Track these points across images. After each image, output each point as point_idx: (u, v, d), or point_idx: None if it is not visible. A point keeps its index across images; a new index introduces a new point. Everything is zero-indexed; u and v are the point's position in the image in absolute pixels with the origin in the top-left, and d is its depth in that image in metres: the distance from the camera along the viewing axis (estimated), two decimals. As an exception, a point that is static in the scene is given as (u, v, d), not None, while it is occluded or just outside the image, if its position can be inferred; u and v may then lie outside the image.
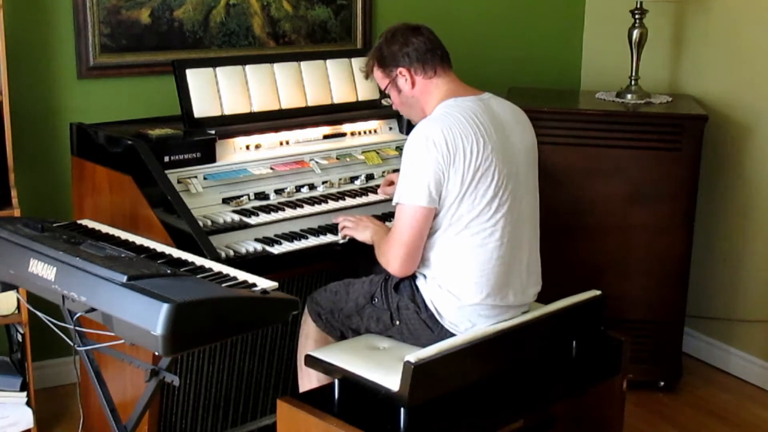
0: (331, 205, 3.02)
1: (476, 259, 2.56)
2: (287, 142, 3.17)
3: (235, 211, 2.86)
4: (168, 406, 2.94)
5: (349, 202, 3.06)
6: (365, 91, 3.42)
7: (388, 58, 2.70)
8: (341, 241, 2.87)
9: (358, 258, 2.89)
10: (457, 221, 2.55)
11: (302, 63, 3.28)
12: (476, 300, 2.58)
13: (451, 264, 2.58)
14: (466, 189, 2.52)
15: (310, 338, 2.86)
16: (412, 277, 2.66)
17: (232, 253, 2.71)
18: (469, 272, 2.57)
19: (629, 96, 3.90)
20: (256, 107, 3.15)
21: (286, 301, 2.24)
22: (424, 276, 2.63)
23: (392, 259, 2.58)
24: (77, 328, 2.24)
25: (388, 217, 3.05)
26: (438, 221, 2.56)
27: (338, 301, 2.77)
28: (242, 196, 2.94)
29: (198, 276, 2.29)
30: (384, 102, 2.80)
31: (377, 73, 2.77)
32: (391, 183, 3.12)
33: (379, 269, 2.75)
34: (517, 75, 4.41)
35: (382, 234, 2.71)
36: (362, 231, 2.80)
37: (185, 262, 2.42)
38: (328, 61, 3.36)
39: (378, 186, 3.18)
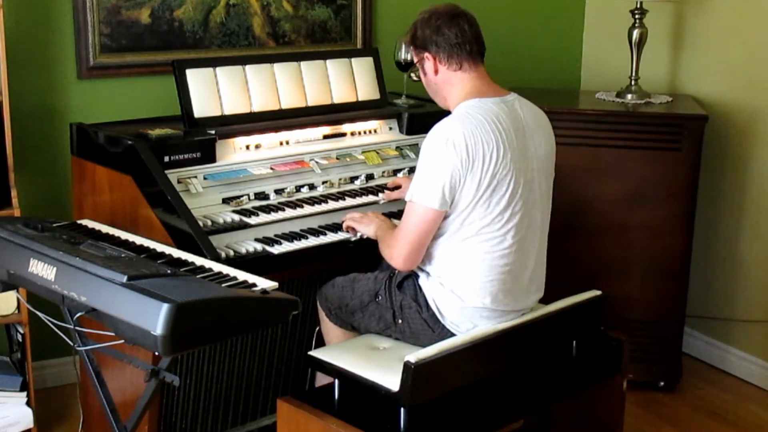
0: (331, 205, 3.02)
1: (483, 264, 2.55)
2: (287, 142, 3.17)
3: (235, 211, 2.86)
4: (168, 406, 2.94)
5: (349, 202, 3.06)
6: (365, 91, 3.42)
7: (419, 40, 2.67)
8: (353, 239, 2.87)
9: (360, 257, 2.89)
10: (468, 227, 2.53)
11: (302, 63, 3.28)
12: (479, 303, 2.57)
13: (456, 266, 2.58)
14: (480, 196, 2.50)
15: (332, 335, 2.88)
16: (415, 276, 2.66)
17: (232, 253, 2.71)
18: (475, 277, 2.56)
19: (629, 96, 3.90)
20: (256, 107, 3.15)
21: (286, 301, 2.24)
22: (427, 273, 2.63)
23: (396, 255, 2.58)
24: (77, 328, 2.24)
25: (389, 217, 3.05)
26: (448, 224, 2.55)
27: (344, 297, 2.78)
28: (242, 196, 2.94)
29: (198, 276, 2.29)
30: (412, 75, 2.80)
31: (410, 49, 2.75)
32: (397, 187, 3.12)
33: (383, 266, 2.75)
34: (517, 75, 4.40)
35: (385, 229, 2.72)
36: (367, 225, 2.81)
37: (185, 262, 2.43)
38: (328, 61, 3.36)
39: (378, 186, 3.18)
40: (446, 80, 2.65)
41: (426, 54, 2.65)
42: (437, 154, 2.49)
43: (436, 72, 2.65)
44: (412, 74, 2.78)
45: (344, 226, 2.89)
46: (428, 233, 2.54)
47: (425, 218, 2.52)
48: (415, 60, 2.72)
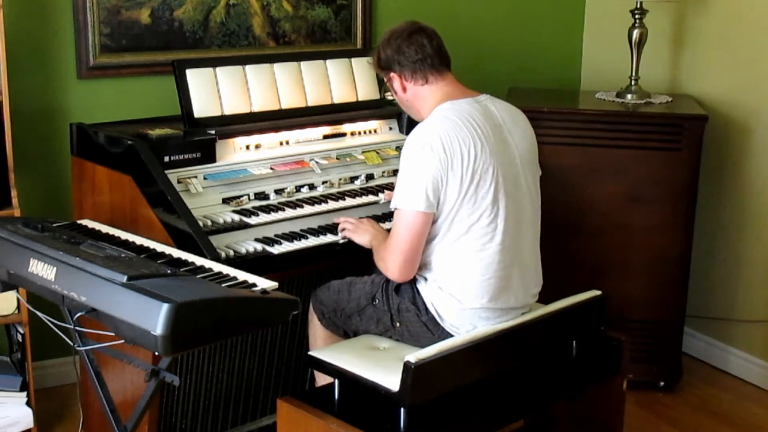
0: (331, 205, 3.02)
1: (478, 263, 2.56)
2: (287, 142, 3.17)
3: (235, 211, 2.86)
4: (168, 406, 2.94)
5: (349, 202, 3.06)
6: (365, 91, 3.42)
7: (383, 61, 2.74)
8: (341, 241, 2.88)
9: (359, 257, 2.88)
10: (457, 226, 2.54)
11: (302, 63, 3.28)
12: (477, 304, 2.57)
13: (452, 268, 2.58)
14: (465, 193, 2.51)
15: (318, 338, 2.87)
16: (413, 280, 2.65)
17: (232, 253, 2.71)
18: (471, 276, 2.56)
19: (629, 96, 3.90)
20: (256, 107, 3.15)
21: (286, 301, 2.24)
22: (425, 278, 2.63)
23: (391, 265, 2.58)
24: (77, 328, 2.24)
25: (388, 217, 3.05)
26: (437, 226, 2.56)
27: (340, 300, 2.78)
28: (242, 196, 2.94)
29: (198, 276, 2.29)
30: (387, 95, 2.86)
31: (378, 71, 2.81)
32: None
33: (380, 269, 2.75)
34: (517, 75, 4.41)
35: (381, 238, 2.71)
36: (361, 234, 2.81)
37: (185, 262, 2.42)
38: (328, 61, 3.36)
39: (378, 186, 3.18)
40: (416, 95, 2.71)
41: (392, 74, 2.72)
42: (416, 159, 2.52)
43: (404, 89, 2.72)
44: (387, 94, 2.84)
45: (340, 235, 2.88)
46: (420, 238, 2.54)
47: (415, 222, 2.52)
48: (385, 81, 2.79)
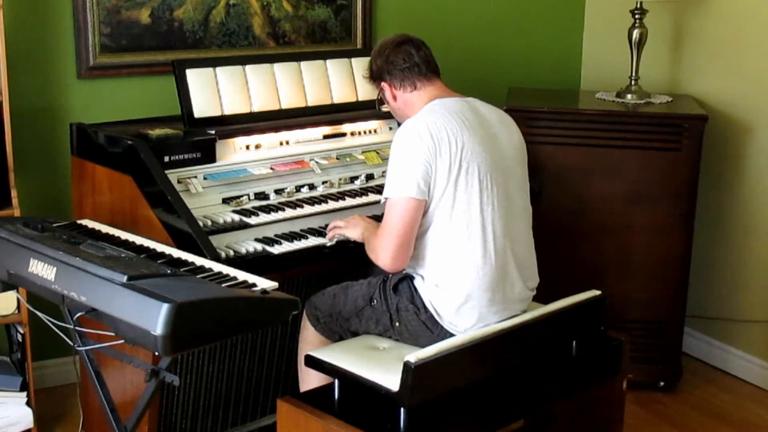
0: (331, 205, 3.02)
1: (471, 255, 2.57)
2: (287, 142, 3.17)
3: (235, 211, 2.86)
4: (168, 406, 2.94)
5: (349, 202, 3.06)
6: (365, 91, 3.41)
7: (375, 73, 2.82)
8: (328, 244, 2.86)
9: (358, 258, 2.88)
10: (447, 213, 2.56)
11: (302, 63, 3.28)
12: (474, 297, 2.58)
13: (446, 262, 2.59)
14: (455, 179, 2.54)
15: (308, 343, 2.86)
16: (411, 279, 2.66)
17: (232, 253, 2.71)
18: (465, 269, 2.57)
19: (629, 96, 3.90)
20: (256, 107, 3.15)
21: (286, 301, 2.24)
22: (422, 277, 2.63)
23: (382, 253, 2.58)
24: (77, 328, 2.24)
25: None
26: (429, 216, 2.58)
27: (336, 303, 2.77)
28: (242, 196, 2.94)
29: (198, 276, 2.29)
30: (382, 108, 2.92)
31: (371, 83, 2.88)
32: None
33: (377, 271, 2.75)
34: (517, 75, 4.41)
35: (372, 231, 2.72)
36: (353, 228, 2.81)
37: (185, 262, 2.42)
38: (328, 61, 3.36)
39: (378, 186, 3.18)
40: (406, 102, 2.78)
41: (383, 83, 2.80)
42: (405, 149, 2.57)
43: (394, 98, 2.80)
44: (382, 107, 2.90)
45: (328, 236, 2.87)
46: (412, 225, 2.55)
47: (406, 209, 2.54)
48: (377, 92, 2.87)
